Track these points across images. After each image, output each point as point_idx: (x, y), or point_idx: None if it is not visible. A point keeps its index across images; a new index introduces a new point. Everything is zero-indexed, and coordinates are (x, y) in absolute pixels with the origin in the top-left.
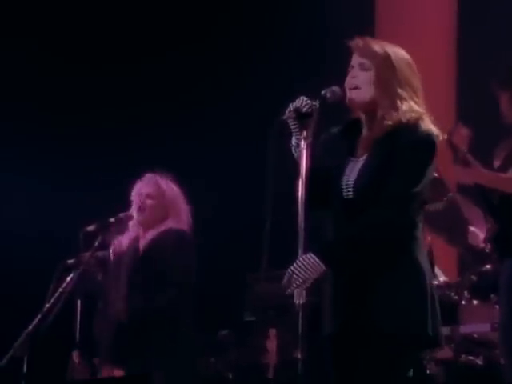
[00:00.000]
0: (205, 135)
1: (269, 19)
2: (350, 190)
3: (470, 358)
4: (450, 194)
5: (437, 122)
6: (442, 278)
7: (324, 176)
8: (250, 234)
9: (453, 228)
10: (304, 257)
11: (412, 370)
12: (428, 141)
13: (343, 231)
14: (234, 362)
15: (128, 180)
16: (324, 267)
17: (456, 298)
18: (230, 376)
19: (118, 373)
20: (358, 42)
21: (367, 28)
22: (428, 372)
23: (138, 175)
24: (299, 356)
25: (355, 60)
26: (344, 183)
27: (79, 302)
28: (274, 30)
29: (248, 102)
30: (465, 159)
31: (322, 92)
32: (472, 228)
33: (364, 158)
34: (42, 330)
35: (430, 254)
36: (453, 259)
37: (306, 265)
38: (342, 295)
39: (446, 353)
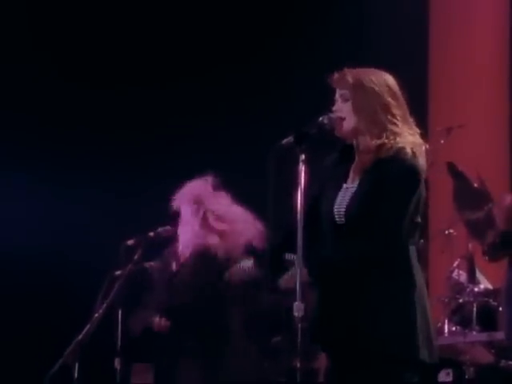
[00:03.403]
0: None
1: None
2: (341, 215)
3: (510, 362)
4: (490, 204)
5: (491, 130)
6: (483, 285)
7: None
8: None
9: None
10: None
11: None
12: (410, 171)
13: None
14: (286, 366)
15: (167, 193)
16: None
17: (495, 304)
18: (283, 380)
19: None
20: (335, 76)
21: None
22: (467, 377)
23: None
24: (298, 365)
25: (337, 93)
26: (336, 209)
27: (120, 311)
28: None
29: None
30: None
31: (320, 118)
32: None
33: (355, 185)
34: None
35: (471, 260)
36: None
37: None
38: (330, 314)
39: (486, 358)
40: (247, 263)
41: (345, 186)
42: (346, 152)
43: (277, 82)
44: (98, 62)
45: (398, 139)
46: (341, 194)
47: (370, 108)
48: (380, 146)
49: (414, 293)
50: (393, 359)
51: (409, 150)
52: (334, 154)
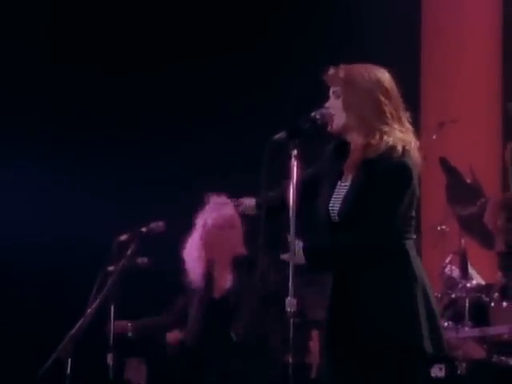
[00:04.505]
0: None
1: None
2: (335, 214)
3: (502, 358)
4: (483, 199)
5: (483, 125)
6: (476, 281)
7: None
8: None
9: (485, 231)
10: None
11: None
12: (399, 169)
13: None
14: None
15: (158, 190)
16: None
17: (487, 299)
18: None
19: None
20: (328, 72)
21: (413, 29)
22: (459, 372)
23: (170, 186)
24: (290, 360)
25: (331, 90)
26: (331, 207)
27: (112, 306)
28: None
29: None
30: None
31: (312, 114)
32: None
33: (348, 183)
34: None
35: (464, 256)
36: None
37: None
38: (335, 309)
39: (478, 353)
40: None
41: (339, 183)
42: (341, 148)
43: (268, 81)
44: (101, 48)
45: (385, 138)
46: (335, 191)
47: (359, 106)
48: (367, 146)
49: (415, 284)
50: (396, 350)
51: (400, 148)
52: (330, 146)
